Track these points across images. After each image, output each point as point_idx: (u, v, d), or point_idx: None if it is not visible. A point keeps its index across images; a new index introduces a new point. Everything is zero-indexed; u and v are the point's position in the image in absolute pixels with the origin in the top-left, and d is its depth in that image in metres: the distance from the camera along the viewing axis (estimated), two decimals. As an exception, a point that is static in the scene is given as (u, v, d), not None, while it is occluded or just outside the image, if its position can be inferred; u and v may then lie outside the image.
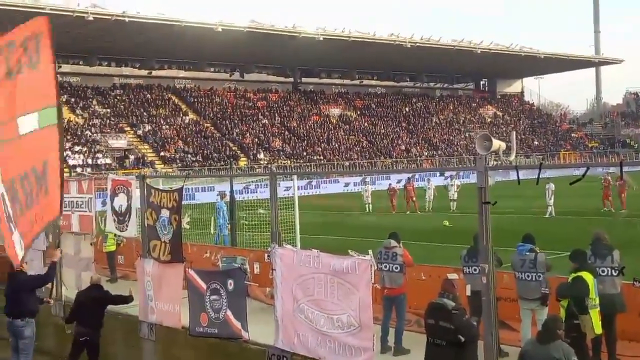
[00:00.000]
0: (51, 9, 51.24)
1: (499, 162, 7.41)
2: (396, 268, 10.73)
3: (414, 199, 36.55)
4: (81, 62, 64.99)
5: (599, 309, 8.61)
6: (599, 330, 8.56)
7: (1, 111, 7.98)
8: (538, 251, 10.03)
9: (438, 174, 50.02)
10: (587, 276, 8.64)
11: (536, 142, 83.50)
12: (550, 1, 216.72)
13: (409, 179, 38.14)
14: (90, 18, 52.43)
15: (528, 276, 9.85)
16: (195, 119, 66.33)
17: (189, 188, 35.88)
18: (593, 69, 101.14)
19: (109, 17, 53.74)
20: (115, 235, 15.94)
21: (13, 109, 8.14)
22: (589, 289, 8.53)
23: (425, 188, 37.87)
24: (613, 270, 9.35)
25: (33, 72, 8.19)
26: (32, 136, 8.11)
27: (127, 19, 54.08)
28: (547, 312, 9.42)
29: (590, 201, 32.79)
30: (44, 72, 8.47)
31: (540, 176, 6.96)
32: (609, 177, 30.82)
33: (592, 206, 31.90)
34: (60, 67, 63.31)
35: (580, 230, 19.97)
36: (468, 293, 9.66)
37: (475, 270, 9.69)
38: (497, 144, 7.00)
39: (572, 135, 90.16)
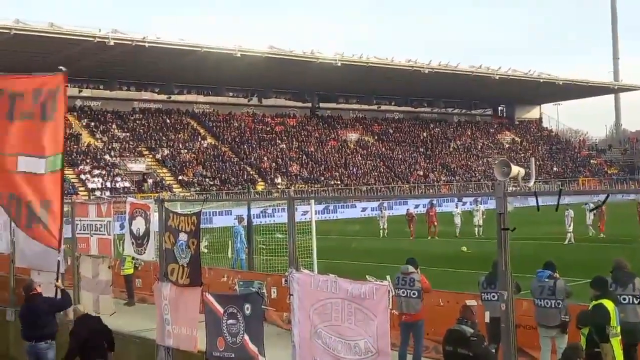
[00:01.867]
0: (73, 34, 52.19)
1: (518, 188, 7.34)
2: (414, 294, 10.67)
3: (436, 224, 36.26)
4: (101, 87, 65.84)
5: (620, 337, 8.48)
6: (620, 359, 8.44)
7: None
8: (558, 277, 9.94)
9: (456, 199, 49.76)
10: (608, 304, 8.53)
11: (555, 169, 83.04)
12: (569, 27, 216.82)
13: (431, 204, 37.74)
14: (111, 43, 53.14)
15: (547, 303, 9.76)
16: (213, 143, 66.72)
17: (206, 212, 36.04)
18: (612, 95, 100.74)
19: (130, 42, 54.41)
20: (133, 258, 15.98)
21: (14, 147, 9.81)
22: (610, 316, 8.41)
23: (454, 214, 37.46)
24: (634, 298, 9.24)
25: (47, 123, 9.66)
26: (32, 176, 9.79)
27: (147, 44, 54.71)
28: (567, 340, 9.30)
29: (610, 228, 32.54)
30: (58, 123, 9.95)
31: (560, 202, 6.89)
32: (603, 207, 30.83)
33: (612, 233, 31.63)
34: (81, 91, 64.37)
35: (600, 258, 19.82)
36: (487, 320, 9.57)
37: (493, 296, 9.62)
38: (516, 170, 6.96)
39: (591, 161, 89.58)
